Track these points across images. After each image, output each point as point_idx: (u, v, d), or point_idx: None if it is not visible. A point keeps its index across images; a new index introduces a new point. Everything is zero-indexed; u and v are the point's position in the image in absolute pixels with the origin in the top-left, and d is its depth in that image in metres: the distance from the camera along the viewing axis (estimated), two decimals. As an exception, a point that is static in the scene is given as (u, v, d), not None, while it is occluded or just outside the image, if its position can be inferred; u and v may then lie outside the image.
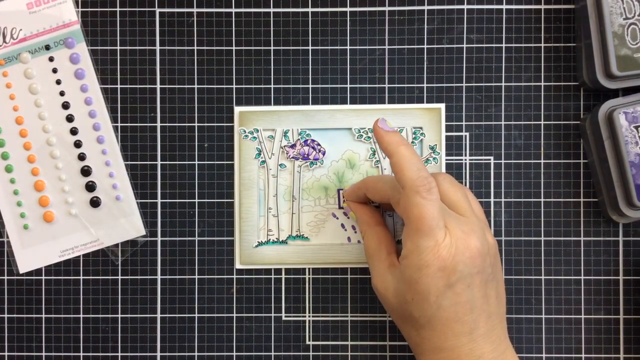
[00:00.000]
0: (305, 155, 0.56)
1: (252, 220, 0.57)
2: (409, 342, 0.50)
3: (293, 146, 0.56)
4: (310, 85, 0.57)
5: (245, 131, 0.56)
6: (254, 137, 0.56)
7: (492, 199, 0.57)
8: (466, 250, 0.46)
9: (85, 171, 0.57)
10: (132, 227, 0.57)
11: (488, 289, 0.48)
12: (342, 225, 0.57)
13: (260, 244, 0.57)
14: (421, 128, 0.56)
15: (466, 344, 0.47)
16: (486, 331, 0.48)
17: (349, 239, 0.57)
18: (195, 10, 0.57)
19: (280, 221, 0.57)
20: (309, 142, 0.56)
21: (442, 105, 0.56)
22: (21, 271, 0.58)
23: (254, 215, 0.57)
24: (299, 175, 0.57)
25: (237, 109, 0.57)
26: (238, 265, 0.57)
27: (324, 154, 0.57)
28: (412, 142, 0.56)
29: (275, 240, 0.57)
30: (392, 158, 0.47)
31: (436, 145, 0.56)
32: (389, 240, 0.53)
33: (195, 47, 0.58)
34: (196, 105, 0.57)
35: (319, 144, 0.56)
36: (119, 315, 0.58)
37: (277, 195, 0.57)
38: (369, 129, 0.56)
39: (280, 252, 0.57)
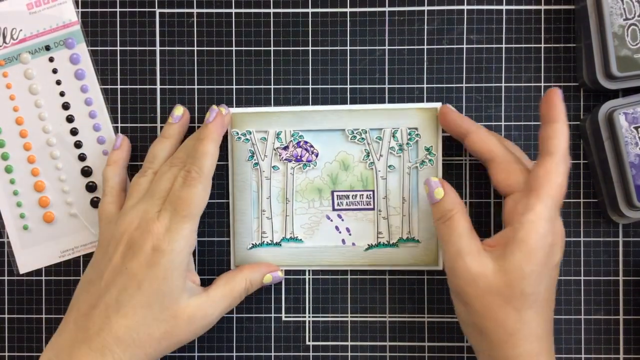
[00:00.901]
0: (298, 157, 0.56)
1: (246, 222, 0.57)
2: (499, 332, 0.48)
3: (286, 148, 0.56)
4: (310, 86, 0.57)
5: (238, 133, 0.56)
6: (247, 139, 0.56)
7: (492, 199, 0.57)
8: (559, 228, 0.50)
9: (86, 171, 0.57)
10: (131, 227, 0.57)
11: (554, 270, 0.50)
12: (337, 228, 0.57)
13: (254, 246, 0.57)
14: (416, 129, 0.56)
15: (551, 335, 0.49)
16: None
17: (343, 241, 0.57)
18: (195, 10, 0.58)
19: (274, 223, 0.57)
20: (301, 143, 0.56)
21: (438, 104, 0.56)
22: (21, 271, 0.58)
23: (247, 217, 0.57)
24: (292, 177, 0.57)
25: (230, 111, 0.56)
26: (233, 267, 0.57)
27: (317, 155, 0.57)
28: (407, 143, 0.56)
29: (269, 242, 0.57)
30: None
31: (432, 146, 0.56)
32: (475, 233, 0.51)
33: (195, 48, 0.58)
34: (196, 105, 0.57)
35: (312, 146, 0.56)
36: (119, 315, 0.58)
37: (271, 197, 0.57)
38: (362, 130, 0.56)
39: (275, 254, 0.57)
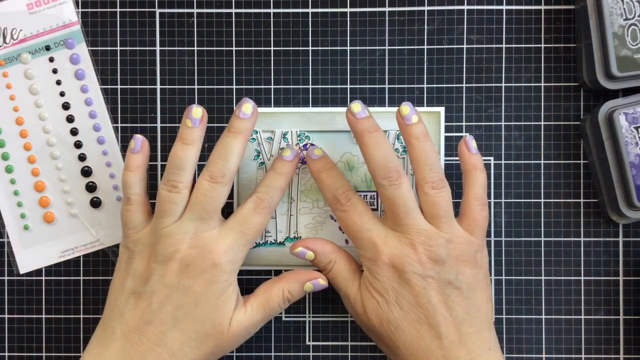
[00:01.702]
0: (305, 160, 0.56)
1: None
2: (389, 355, 0.52)
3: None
4: (310, 86, 0.57)
5: (244, 132, 0.56)
6: (253, 139, 0.56)
7: (492, 199, 0.57)
8: (412, 252, 0.49)
9: (86, 172, 0.57)
10: (132, 227, 0.57)
11: (449, 296, 0.49)
12: (340, 228, 0.57)
13: (257, 245, 0.57)
14: (420, 131, 0.56)
15: (438, 350, 0.48)
16: (459, 338, 0.48)
17: (346, 241, 0.57)
18: (195, 10, 0.57)
19: (278, 223, 0.57)
20: (308, 146, 0.56)
21: (442, 109, 0.56)
22: (21, 271, 0.58)
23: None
24: (297, 177, 0.57)
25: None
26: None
27: None
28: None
29: (273, 241, 0.57)
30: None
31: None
32: (355, 261, 0.54)
33: (195, 48, 0.58)
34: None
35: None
36: (119, 316, 0.58)
37: None
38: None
39: (278, 254, 0.57)
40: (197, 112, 0.51)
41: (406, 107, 0.50)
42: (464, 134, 0.57)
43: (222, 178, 0.50)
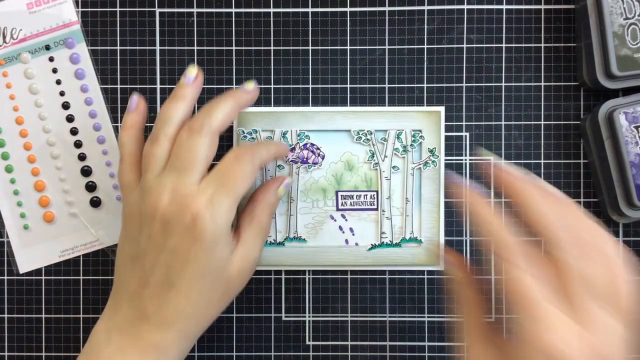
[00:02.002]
0: (305, 159, 0.56)
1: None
2: None
3: (292, 149, 0.56)
4: (310, 86, 0.57)
5: (244, 132, 0.56)
6: (253, 138, 0.56)
7: (492, 199, 0.57)
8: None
9: (86, 171, 0.57)
10: (132, 227, 0.57)
11: None
12: (340, 228, 0.57)
13: (257, 245, 0.57)
14: (420, 131, 0.56)
15: None
16: None
17: (346, 241, 0.57)
18: (195, 10, 0.57)
19: (277, 223, 0.57)
20: (308, 145, 0.56)
21: (442, 108, 0.56)
22: (21, 271, 0.58)
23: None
24: (297, 177, 0.57)
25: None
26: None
27: (323, 157, 0.57)
28: (412, 145, 0.56)
29: (273, 242, 0.57)
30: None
31: (435, 148, 0.56)
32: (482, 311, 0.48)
33: (195, 47, 0.58)
34: (196, 105, 0.57)
35: (318, 148, 0.56)
36: (119, 315, 0.58)
37: None
38: (367, 131, 0.56)
39: (277, 254, 0.57)
40: (191, 71, 0.51)
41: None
42: (464, 133, 0.57)
43: (200, 129, 0.48)
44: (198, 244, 0.46)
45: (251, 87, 0.51)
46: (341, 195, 0.57)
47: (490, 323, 0.46)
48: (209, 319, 0.50)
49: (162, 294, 0.47)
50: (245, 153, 0.49)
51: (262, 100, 0.57)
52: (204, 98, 0.57)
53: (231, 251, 0.49)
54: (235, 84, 0.57)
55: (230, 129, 0.57)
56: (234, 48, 0.57)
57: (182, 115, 0.49)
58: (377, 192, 0.57)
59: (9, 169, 0.57)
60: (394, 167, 0.56)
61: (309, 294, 0.58)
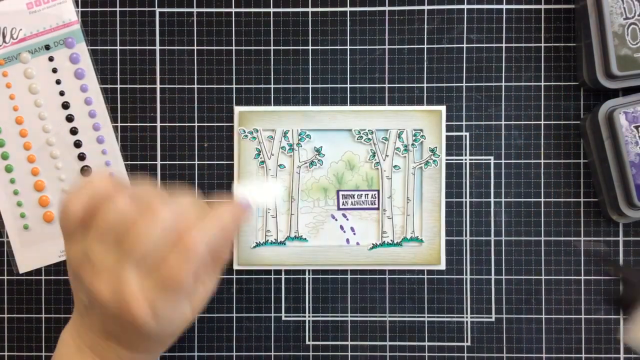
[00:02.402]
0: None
1: (250, 220, 0.57)
2: None
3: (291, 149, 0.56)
4: (310, 85, 0.57)
5: (245, 131, 0.56)
6: (254, 137, 0.56)
7: (492, 199, 0.57)
8: None
9: (86, 171, 0.57)
10: (132, 227, 0.57)
11: None
12: (341, 227, 0.57)
13: (258, 244, 0.57)
14: (421, 130, 0.56)
15: None
16: None
17: (347, 240, 0.57)
18: (195, 10, 0.57)
19: (278, 222, 0.57)
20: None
21: (443, 108, 0.56)
22: (21, 271, 0.58)
23: (252, 215, 0.57)
24: (298, 176, 0.57)
25: (237, 109, 0.56)
26: (236, 266, 0.57)
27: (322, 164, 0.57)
28: (412, 144, 0.56)
29: (274, 241, 0.57)
30: None
31: (436, 147, 0.56)
32: None
33: (195, 47, 0.58)
34: (196, 105, 0.57)
35: (317, 150, 0.57)
36: (119, 315, 0.58)
37: (276, 196, 0.57)
38: (369, 130, 0.56)
39: (279, 253, 0.57)
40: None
41: None
42: (464, 133, 0.57)
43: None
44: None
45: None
46: (342, 195, 0.57)
47: None
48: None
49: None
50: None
51: (263, 99, 0.57)
52: (204, 98, 0.57)
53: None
54: (235, 84, 0.57)
55: (230, 129, 0.57)
56: (234, 48, 0.57)
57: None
58: (378, 191, 0.57)
59: (8, 169, 0.57)
60: (395, 166, 0.56)
61: (309, 294, 0.58)
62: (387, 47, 0.57)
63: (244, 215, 0.46)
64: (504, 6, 0.57)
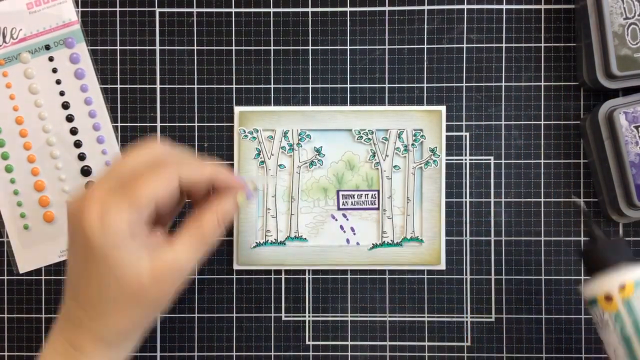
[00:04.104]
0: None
1: (250, 220, 0.57)
2: None
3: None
4: (310, 85, 0.57)
5: (245, 131, 0.56)
6: (254, 137, 0.56)
7: (492, 199, 0.57)
8: None
9: (85, 171, 0.57)
10: (132, 227, 0.57)
11: None
12: (341, 227, 0.57)
13: (258, 244, 0.57)
14: (421, 130, 0.56)
15: None
16: None
17: (347, 240, 0.57)
18: (195, 10, 0.57)
19: (278, 222, 0.57)
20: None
21: (443, 108, 0.56)
22: (21, 271, 0.58)
23: (252, 216, 0.57)
24: (298, 176, 0.57)
25: (237, 109, 0.57)
26: (236, 266, 0.57)
27: (322, 164, 0.57)
28: (412, 144, 0.56)
29: (274, 241, 0.57)
30: None
31: (436, 147, 0.56)
32: None
33: (195, 47, 0.58)
34: (196, 105, 0.57)
35: (317, 150, 0.56)
36: (119, 315, 0.58)
37: (276, 196, 0.57)
38: (369, 130, 0.56)
39: (279, 253, 0.57)
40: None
41: None
42: (464, 133, 0.57)
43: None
44: (91, 261, 0.43)
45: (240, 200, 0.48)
46: (342, 195, 0.57)
47: None
48: (123, 333, 0.45)
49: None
50: (170, 164, 0.45)
51: (263, 99, 0.57)
52: (204, 98, 0.57)
53: (150, 251, 0.44)
54: (235, 84, 0.57)
55: (230, 129, 0.57)
56: (234, 48, 0.57)
57: None
58: (378, 191, 0.57)
59: (9, 169, 0.57)
60: (395, 166, 0.56)
61: (309, 294, 0.58)
62: (387, 47, 0.57)
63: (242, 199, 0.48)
64: (504, 6, 0.57)
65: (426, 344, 0.58)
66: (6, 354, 0.58)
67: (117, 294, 0.43)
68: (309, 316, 0.58)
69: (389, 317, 0.58)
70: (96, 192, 0.43)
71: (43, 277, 0.58)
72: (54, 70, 0.57)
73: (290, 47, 0.57)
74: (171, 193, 0.44)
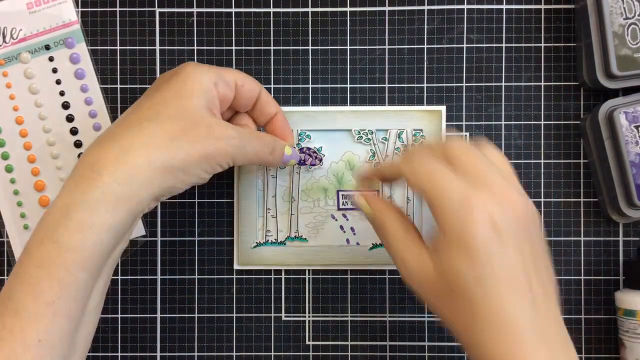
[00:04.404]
0: (302, 162, 0.56)
1: (250, 220, 0.57)
2: (456, 326, 0.42)
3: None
4: (310, 85, 0.57)
5: (244, 131, 0.56)
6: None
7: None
8: (510, 205, 0.40)
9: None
10: (132, 227, 0.57)
11: (537, 256, 0.41)
12: (341, 227, 0.57)
13: (258, 244, 0.57)
14: (421, 130, 0.56)
15: (525, 314, 0.40)
16: (544, 304, 0.41)
17: (347, 240, 0.57)
18: (195, 10, 0.57)
19: (278, 222, 0.57)
20: (304, 149, 0.56)
21: (443, 108, 0.56)
22: (21, 271, 0.57)
23: (252, 216, 0.57)
24: (298, 177, 0.57)
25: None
26: (236, 266, 0.57)
27: (321, 160, 0.56)
28: (412, 144, 0.56)
29: (274, 241, 0.57)
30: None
31: (436, 147, 0.56)
32: (412, 224, 0.47)
33: (195, 47, 0.58)
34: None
35: (315, 152, 0.56)
36: (119, 315, 0.58)
37: (276, 196, 0.57)
38: (368, 130, 0.56)
39: (279, 253, 0.57)
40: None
41: None
42: (464, 133, 0.57)
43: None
44: (174, 76, 0.46)
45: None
46: (342, 195, 0.57)
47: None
48: (158, 158, 0.44)
49: (126, 115, 0.46)
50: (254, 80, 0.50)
51: (262, 100, 0.57)
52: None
53: (210, 110, 0.46)
54: (235, 84, 0.57)
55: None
56: (234, 48, 0.57)
57: None
58: (378, 191, 0.57)
59: (9, 169, 0.57)
60: (395, 166, 0.56)
61: (309, 294, 0.58)
62: (387, 47, 0.57)
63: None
64: (504, 6, 0.57)
65: (426, 344, 0.58)
66: (6, 354, 0.58)
67: (173, 110, 0.45)
68: (309, 316, 0.58)
69: (389, 317, 0.58)
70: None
71: (43, 277, 0.58)
72: (54, 70, 0.57)
73: (290, 47, 0.57)
74: (247, 86, 0.49)
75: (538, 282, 0.41)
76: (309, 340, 0.58)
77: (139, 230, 0.57)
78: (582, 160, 0.57)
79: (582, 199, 0.57)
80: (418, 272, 0.43)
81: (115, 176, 0.42)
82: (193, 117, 0.45)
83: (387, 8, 0.57)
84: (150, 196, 0.44)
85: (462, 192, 0.40)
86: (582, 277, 0.57)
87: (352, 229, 0.57)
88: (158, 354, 0.58)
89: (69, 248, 0.41)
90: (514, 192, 0.41)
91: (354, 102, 0.57)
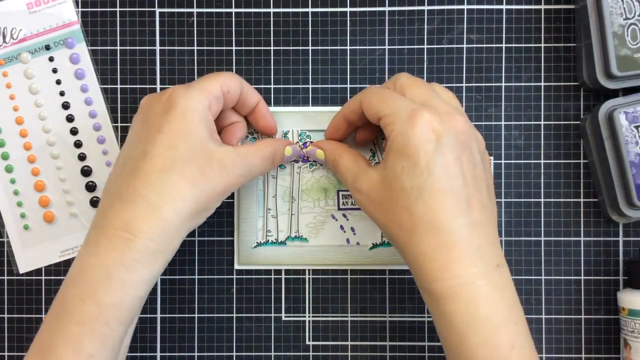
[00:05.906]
0: (305, 158, 0.56)
1: (250, 220, 0.57)
2: (400, 238, 0.46)
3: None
4: (310, 86, 0.57)
5: (245, 131, 0.56)
6: (254, 138, 0.56)
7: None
8: (451, 122, 0.45)
9: (86, 171, 0.57)
10: (132, 227, 0.57)
11: (477, 175, 0.45)
12: (341, 227, 0.57)
13: (258, 244, 0.57)
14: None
15: (463, 227, 0.44)
16: (482, 221, 0.45)
17: (347, 240, 0.57)
18: (195, 10, 0.57)
19: (279, 222, 0.57)
20: (308, 144, 0.56)
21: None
22: (21, 271, 0.58)
23: (252, 215, 0.57)
24: (299, 177, 0.57)
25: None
26: (236, 266, 0.57)
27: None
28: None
29: (274, 241, 0.57)
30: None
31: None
32: (362, 156, 0.52)
33: (195, 47, 0.58)
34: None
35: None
36: (119, 315, 0.58)
37: (277, 196, 0.57)
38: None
39: (279, 253, 0.57)
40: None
41: None
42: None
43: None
44: (171, 111, 0.47)
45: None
46: (342, 195, 0.57)
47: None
48: (182, 201, 0.46)
49: (137, 165, 0.46)
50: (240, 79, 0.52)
51: (262, 100, 0.57)
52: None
53: (218, 145, 0.48)
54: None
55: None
56: (234, 48, 0.57)
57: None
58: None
59: (9, 169, 0.57)
60: (395, 166, 0.56)
61: (309, 294, 0.58)
62: (387, 47, 0.57)
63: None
64: (504, 6, 0.57)
65: (426, 344, 0.58)
66: (6, 354, 0.58)
67: (185, 152, 0.46)
68: (309, 316, 0.58)
69: (389, 317, 0.58)
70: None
71: (43, 277, 0.58)
72: (54, 71, 0.57)
73: (290, 47, 0.57)
74: (232, 89, 0.50)
75: (477, 201, 0.45)
76: (309, 340, 0.58)
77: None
78: (582, 161, 0.57)
79: (582, 199, 0.57)
80: (367, 189, 0.48)
81: (149, 234, 0.45)
82: (204, 154, 0.47)
83: (387, 8, 0.57)
84: (181, 240, 0.47)
85: (410, 108, 0.45)
86: (582, 277, 0.57)
87: (352, 228, 0.57)
88: (158, 354, 0.58)
89: (111, 305, 0.44)
90: (457, 113, 0.46)
91: (354, 102, 0.57)
